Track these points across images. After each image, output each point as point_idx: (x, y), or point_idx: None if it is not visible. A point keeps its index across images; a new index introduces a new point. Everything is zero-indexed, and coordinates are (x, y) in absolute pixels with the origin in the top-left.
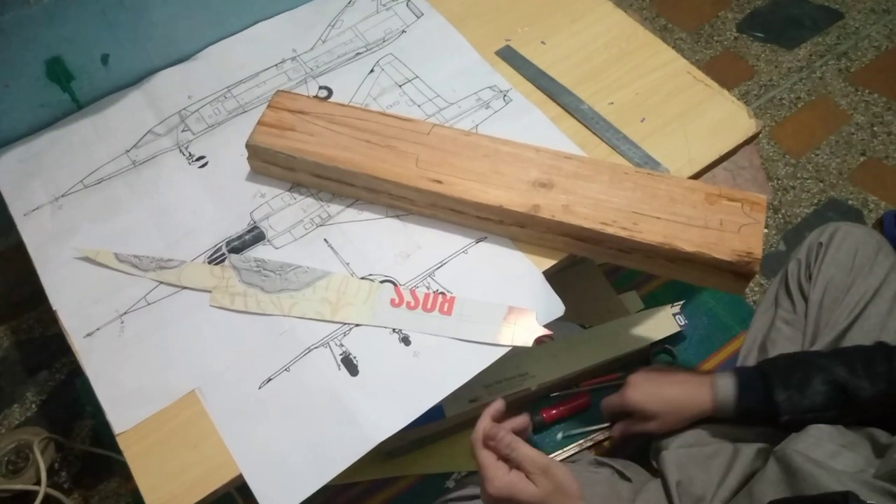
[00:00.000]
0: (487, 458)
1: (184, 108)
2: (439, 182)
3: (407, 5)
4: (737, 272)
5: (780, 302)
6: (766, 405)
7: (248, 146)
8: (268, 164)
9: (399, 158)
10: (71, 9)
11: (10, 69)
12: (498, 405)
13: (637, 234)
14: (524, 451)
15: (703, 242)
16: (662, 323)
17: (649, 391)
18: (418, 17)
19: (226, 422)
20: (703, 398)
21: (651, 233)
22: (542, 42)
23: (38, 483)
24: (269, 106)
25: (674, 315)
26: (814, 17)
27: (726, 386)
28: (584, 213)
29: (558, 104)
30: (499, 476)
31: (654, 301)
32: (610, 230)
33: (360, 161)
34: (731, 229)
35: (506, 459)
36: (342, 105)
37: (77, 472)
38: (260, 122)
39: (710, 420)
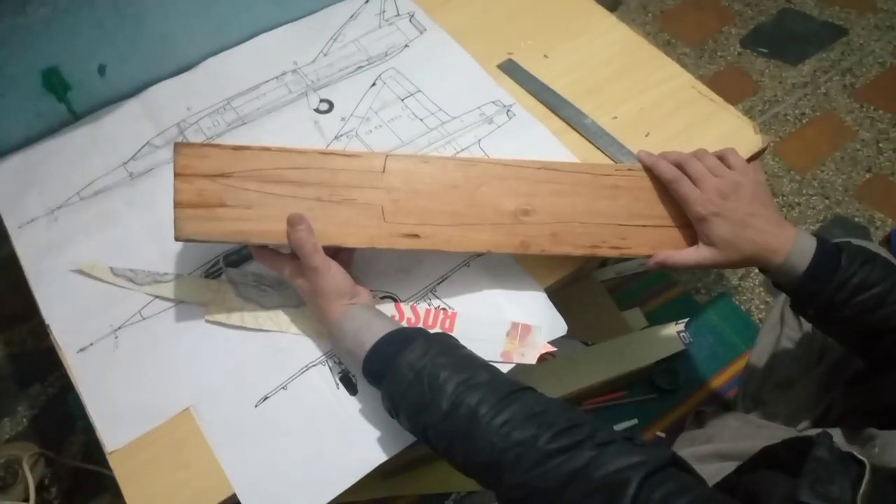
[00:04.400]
0: (286, 271)
1: (183, 120)
2: (416, 236)
3: (410, 21)
4: None
5: (786, 320)
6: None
7: (177, 240)
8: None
9: (363, 215)
10: (68, 19)
11: (6, 79)
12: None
13: (627, 249)
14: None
15: (690, 244)
16: (666, 341)
17: (733, 233)
18: (421, 33)
19: (220, 441)
20: (776, 254)
21: (640, 245)
22: (545, 56)
23: (26, 500)
24: (176, 175)
25: (678, 333)
26: (818, 33)
27: (807, 242)
28: (573, 240)
29: (561, 118)
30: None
31: (657, 318)
32: (601, 252)
33: (320, 230)
34: None
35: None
36: (266, 150)
37: (67, 489)
38: (177, 205)
39: None
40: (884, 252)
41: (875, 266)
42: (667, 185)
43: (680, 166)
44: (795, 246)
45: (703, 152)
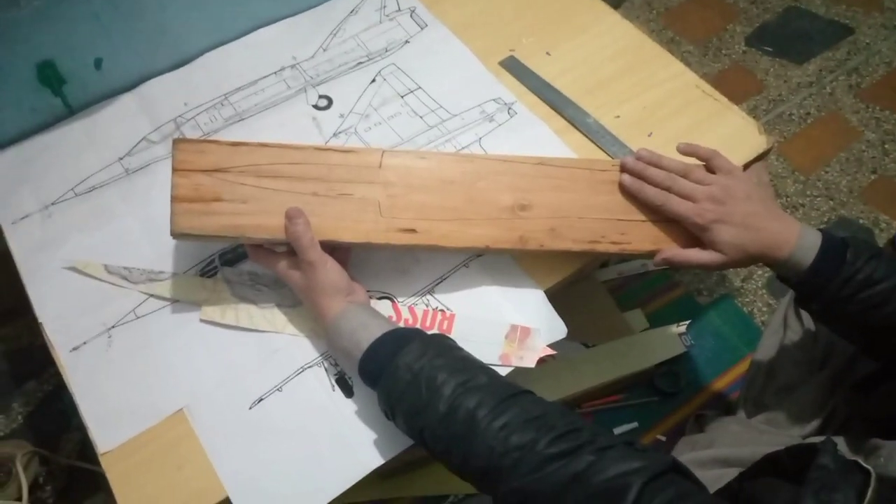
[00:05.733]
0: (281, 264)
1: (179, 116)
2: (413, 231)
3: (411, 16)
4: None
5: (790, 324)
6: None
7: (173, 235)
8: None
9: (359, 210)
10: (63, 11)
11: (0, 73)
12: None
13: (627, 245)
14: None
15: (691, 240)
16: (668, 343)
17: (737, 236)
18: (422, 28)
19: (214, 443)
20: (780, 249)
21: (640, 241)
22: (547, 53)
23: (20, 499)
24: (174, 171)
25: (679, 335)
26: (824, 31)
27: (812, 237)
28: (572, 235)
29: (563, 117)
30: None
31: (659, 320)
32: (600, 247)
33: (316, 224)
34: None
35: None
36: (264, 146)
37: (63, 488)
38: (174, 200)
39: None
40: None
41: (881, 262)
42: (658, 209)
43: (667, 188)
44: (800, 240)
45: (688, 168)
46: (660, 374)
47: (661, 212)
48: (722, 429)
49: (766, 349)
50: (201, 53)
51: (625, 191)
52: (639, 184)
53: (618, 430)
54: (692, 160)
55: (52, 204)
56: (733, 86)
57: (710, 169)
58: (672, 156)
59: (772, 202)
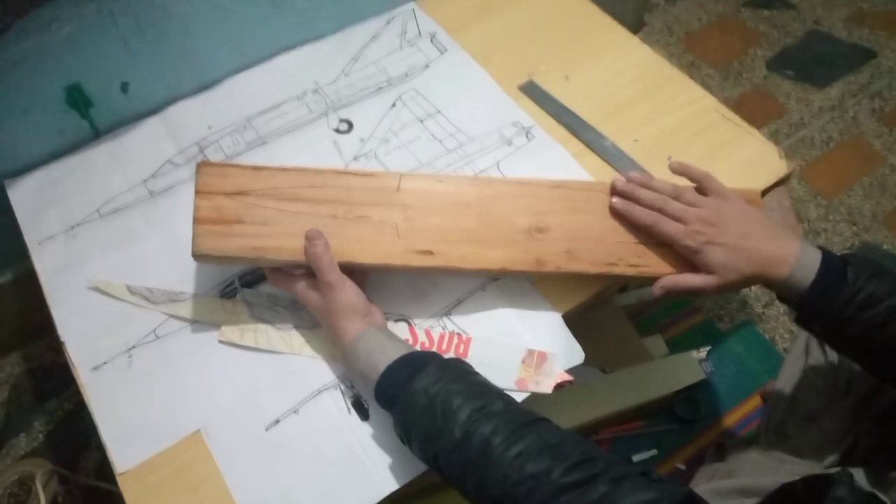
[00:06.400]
0: (299, 285)
1: (203, 139)
2: (430, 253)
3: (431, 41)
4: None
5: (811, 351)
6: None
7: (194, 256)
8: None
9: (377, 232)
10: (91, 36)
11: (30, 95)
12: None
13: (645, 268)
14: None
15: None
16: (688, 369)
17: (730, 257)
18: (442, 53)
19: (230, 464)
20: (779, 269)
21: (658, 264)
22: (566, 77)
23: None
24: (197, 193)
25: (700, 361)
26: (846, 55)
27: (812, 256)
28: (589, 257)
29: (581, 141)
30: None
31: (679, 346)
32: (618, 270)
33: (335, 246)
34: None
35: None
36: (285, 170)
37: None
38: (196, 221)
39: None
40: None
41: (883, 280)
42: (648, 230)
43: (659, 209)
44: (800, 260)
45: (679, 190)
46: (679, 402)
47: (652, 234)
48: (742, 458)
49: (788, 377)
50: (226, 77)
51: (615, 213)
52: (628, 204)
53: (636, 458)
54: (683, 181)
55: (77, 225)
56: (754, 110)
57: (701, 191)
58: (685, 182)
59: (770, 222)
